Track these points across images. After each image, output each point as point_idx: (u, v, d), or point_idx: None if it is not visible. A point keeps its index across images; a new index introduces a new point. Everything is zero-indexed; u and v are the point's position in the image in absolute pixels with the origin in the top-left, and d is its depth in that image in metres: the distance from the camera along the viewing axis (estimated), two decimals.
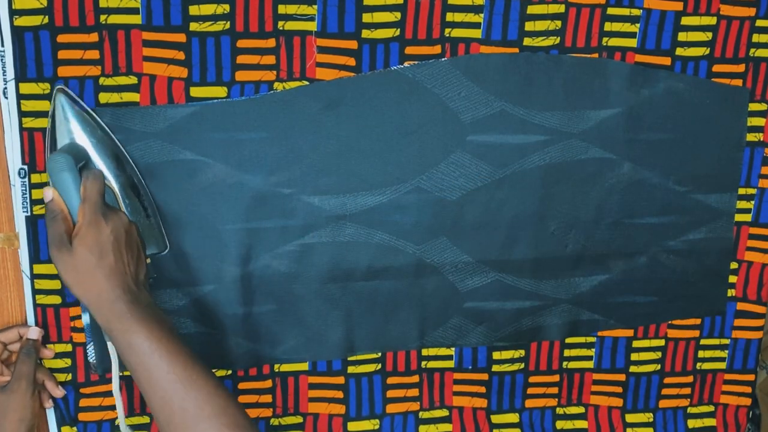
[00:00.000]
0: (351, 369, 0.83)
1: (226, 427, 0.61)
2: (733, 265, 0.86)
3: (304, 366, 0.82)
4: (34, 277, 0.74)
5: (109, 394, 0.78)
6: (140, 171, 0.73)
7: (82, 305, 0.76)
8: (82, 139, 0.69)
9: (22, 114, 0.70)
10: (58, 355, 0.76)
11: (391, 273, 0.80)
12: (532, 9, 0.76)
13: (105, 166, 0.69)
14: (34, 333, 0.74)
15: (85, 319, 0.76)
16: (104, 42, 0.70)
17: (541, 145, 0.78)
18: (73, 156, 0.66)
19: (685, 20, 0.78)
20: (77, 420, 0.78)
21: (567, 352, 0.86)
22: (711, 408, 0.89)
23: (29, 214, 0.73)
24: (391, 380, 0.84)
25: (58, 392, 0.76)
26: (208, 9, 0.71)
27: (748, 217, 0.84)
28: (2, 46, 0.69)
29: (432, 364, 0.84)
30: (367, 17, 0.74)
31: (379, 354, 0.83)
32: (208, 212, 0.75)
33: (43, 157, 0.72)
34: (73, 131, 0.69)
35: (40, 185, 0.72)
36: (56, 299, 0.75)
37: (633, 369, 0.87)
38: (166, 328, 0.64)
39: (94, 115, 0.71)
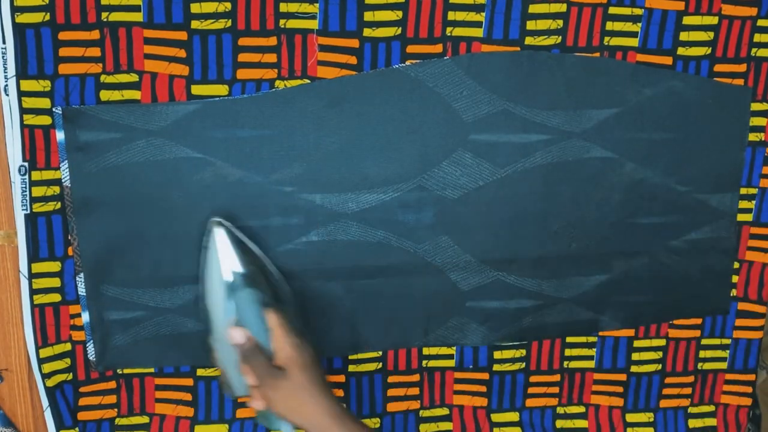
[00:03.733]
0: (351, 368, 0.83)
1: None
2: (734, 265, 0.86)
3: None
4: (32, 276, 0.74)
5: (109, 392, 0.78)
6: (143, 169, 0.73)
7: (82, 302, 0.76)
8: (243, 268, 0.70)
9: (23, 111, 0.70)
10: (58, 356, 0.76)
11: (392, 272, 0.79)
12: (533, 8, 0.76)
13: (262, 291, 0.71)
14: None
15: (85, 317, 0.76)
16: (105, 39, 0.70)
17: (543, 144, 0.78)
18: (255, 288, 0.69)
19: (687, 20, 0.78)
20: (77, 419, 0.78)
21: (568, 352, 0.86)
22: (712, 408, 0.89)
23: (28, 212, 0.72)
24: (391, 379, 0.84)
25: None
26: (209, 7, 0.71)
27: (749, 217, 0.84)
28: (3, 43, 0.69)
29: (433, 363, 0.84)
30: (368, 16, 0.74)
31: (380, 353, 0.83)
32: (209, 210, 0.75)
33: (44, 155, 0.72)
34: (235, 261, 0.70)
35: (40, 182, 0.72)
36: (55, 297, 0.75)
37: (634, 369, 0.87)
38: None
39: (249, 242, 0.73)
